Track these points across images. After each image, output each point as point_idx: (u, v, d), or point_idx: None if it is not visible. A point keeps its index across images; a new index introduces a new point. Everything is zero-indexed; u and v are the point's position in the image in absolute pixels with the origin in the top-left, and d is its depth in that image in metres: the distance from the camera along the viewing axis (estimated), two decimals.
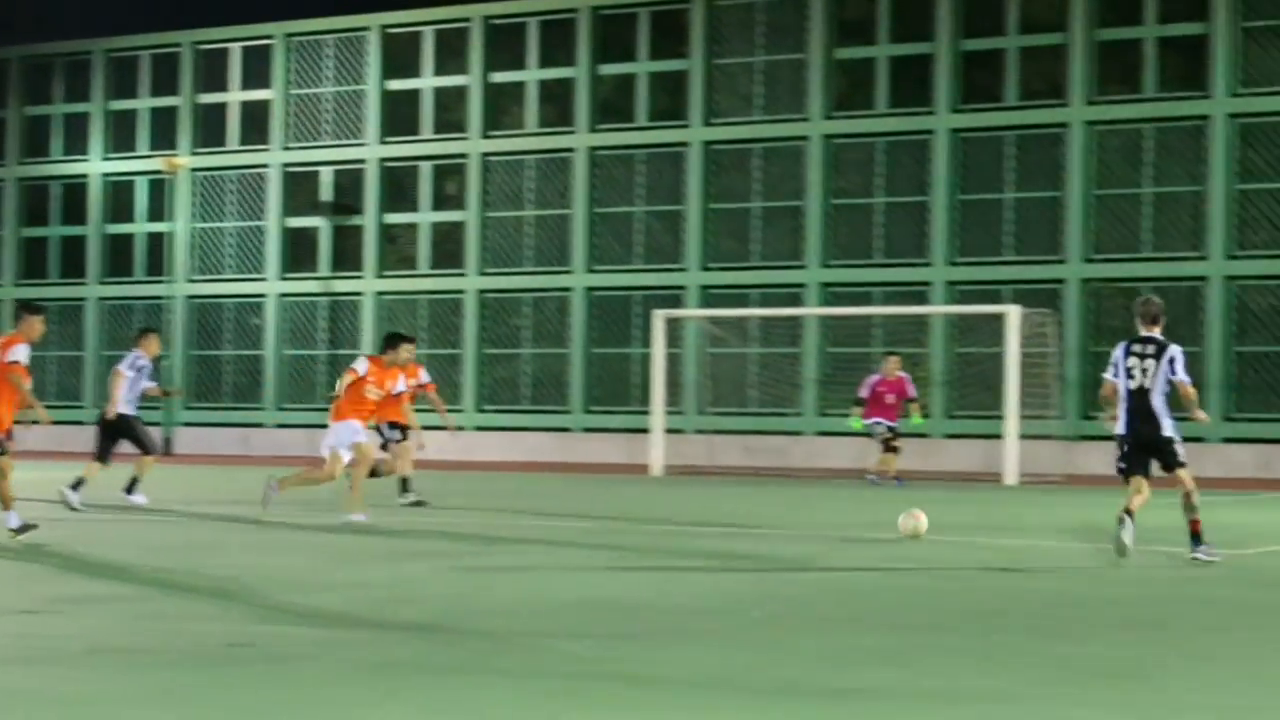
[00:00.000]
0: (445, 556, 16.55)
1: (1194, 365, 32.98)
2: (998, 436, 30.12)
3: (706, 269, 37.26)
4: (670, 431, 32.87)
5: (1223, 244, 33.01)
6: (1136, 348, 15.76)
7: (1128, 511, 15.11)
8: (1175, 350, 15.66)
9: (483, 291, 39.30)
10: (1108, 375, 15.84)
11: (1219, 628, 11.91)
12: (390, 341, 20.18)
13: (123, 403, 20.74)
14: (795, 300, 36.32)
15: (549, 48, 39.00)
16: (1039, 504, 24.53)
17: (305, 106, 41.24)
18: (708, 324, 36.39)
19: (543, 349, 39.09)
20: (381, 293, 40.25)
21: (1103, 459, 33.54)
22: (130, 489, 21.21)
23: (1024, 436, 30.23)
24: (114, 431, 20.72)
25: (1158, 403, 15.52)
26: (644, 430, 33.42)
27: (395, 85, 40.42)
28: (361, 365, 19.69)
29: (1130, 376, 15.64)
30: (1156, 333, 15.82)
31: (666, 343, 33.68)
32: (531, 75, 39.20)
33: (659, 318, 33.42)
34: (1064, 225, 34.35)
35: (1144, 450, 15.62)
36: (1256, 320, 32.97)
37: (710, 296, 37.26)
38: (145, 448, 21.01)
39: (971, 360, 34.56)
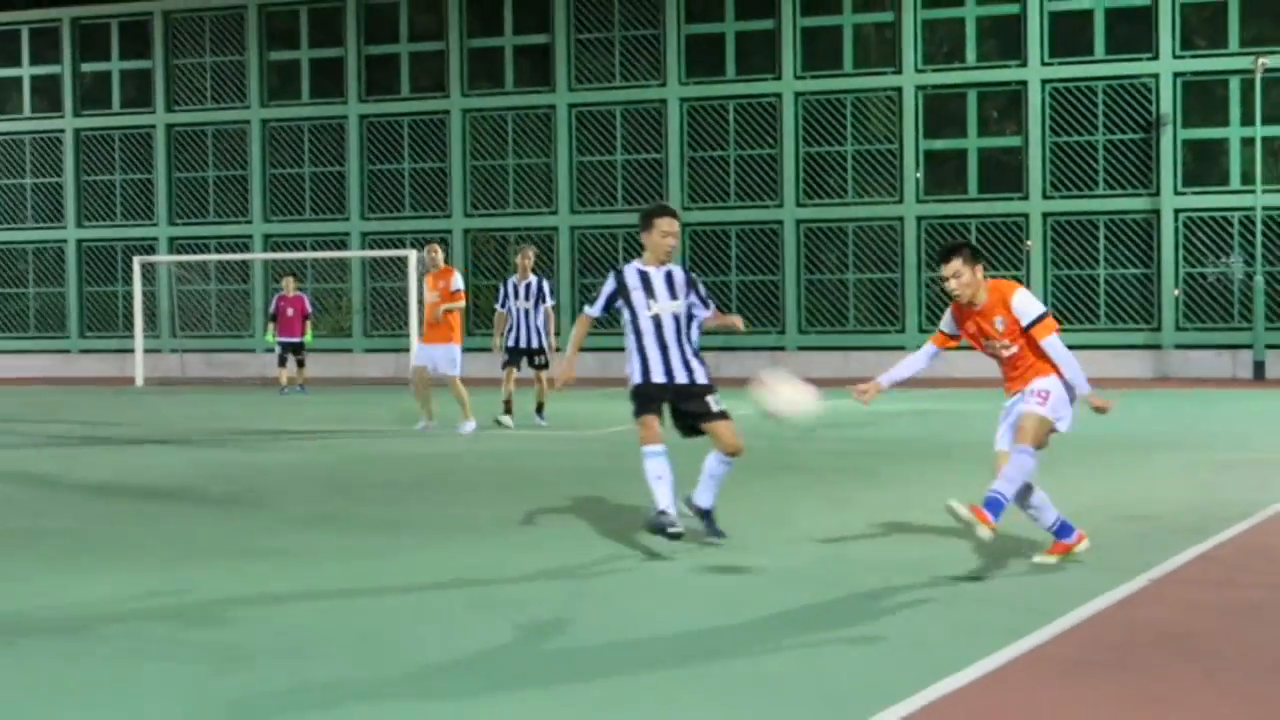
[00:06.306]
0: None
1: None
2: (406, 350, 34.54)
3: (173, 224, 42.36)
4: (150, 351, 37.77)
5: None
6: None
7: None
8: None
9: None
10: None
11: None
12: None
13: None
14: (246, 247, 41.67)
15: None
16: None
17: None
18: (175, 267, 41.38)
19: (43, 288, 43.53)
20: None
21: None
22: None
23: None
24: None
25: None
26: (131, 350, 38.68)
27: None
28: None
29: None
30: None
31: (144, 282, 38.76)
32: None
33: (137, 262, 38.27)
34: (448, 187, 40.04)
35: None
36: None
37: (178, 246, 42.52)
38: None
39: (382, 292, 40.71)
